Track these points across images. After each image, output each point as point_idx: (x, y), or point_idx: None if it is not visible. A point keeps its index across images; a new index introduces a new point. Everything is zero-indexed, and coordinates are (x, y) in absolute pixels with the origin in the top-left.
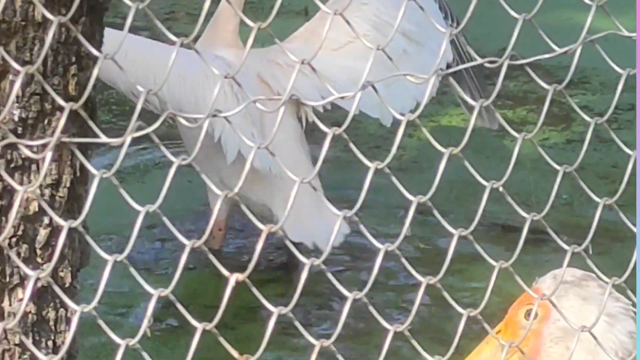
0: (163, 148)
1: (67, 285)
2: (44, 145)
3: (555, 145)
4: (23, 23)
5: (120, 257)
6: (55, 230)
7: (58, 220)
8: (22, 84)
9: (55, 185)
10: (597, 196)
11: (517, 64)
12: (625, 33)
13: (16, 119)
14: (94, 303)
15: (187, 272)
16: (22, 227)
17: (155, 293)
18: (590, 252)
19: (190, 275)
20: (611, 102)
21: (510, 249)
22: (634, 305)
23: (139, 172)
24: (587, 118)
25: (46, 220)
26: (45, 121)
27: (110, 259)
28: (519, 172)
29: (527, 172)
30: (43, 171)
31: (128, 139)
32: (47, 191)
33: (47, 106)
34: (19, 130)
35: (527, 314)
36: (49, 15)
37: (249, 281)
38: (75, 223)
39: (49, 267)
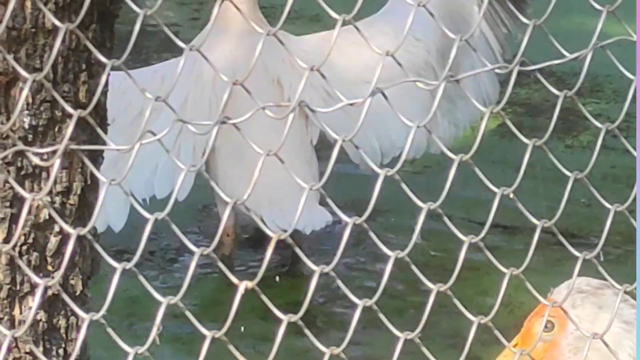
0: (172, 156)
1: (77, 293)
2: (54, 153)
3: (553, 150)
4: (33, 30)
5: (129, 265)
6: (65, 238)
7: (66, 227)
8: (32, 91)
9: (66, 192)
10: (601, 197)
11: (527, 70)
12: (636, 38)
13: (26, 126)
14: (103, 311)
15: (198, 278)
16: (32, 235)
17: (165, 301)
18: (602, 258)
19: (202, 282)
20: (624, 110)
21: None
22: None
23: None
24: (598, 124)
25: (57, 228)
26: (56, 128)
27: (119, 266)
28: (527, 178)
29: (535, 178)
30: (52, 179)
31: (136, 147)
32: (57, 199)
33: (58, 114)
34: (30, 137)
35: (544, 325)
36: (57, 23)
37: (258, 289)
38: (84, 231)
39: (57, 276)
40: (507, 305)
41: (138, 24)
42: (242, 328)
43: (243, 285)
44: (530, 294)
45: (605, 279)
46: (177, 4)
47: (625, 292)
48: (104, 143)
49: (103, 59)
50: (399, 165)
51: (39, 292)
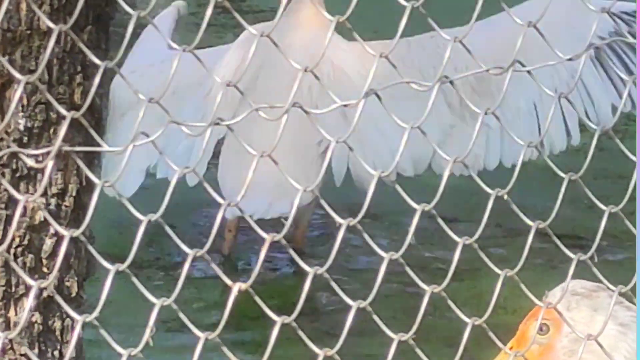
0: (166, 157)
1: (73, 295)
2: (48, 154)
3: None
4: (28, 32)
5: (122, 267)
6: (61, 240)
7: (60, 229)
8: (27, 93)
9: (61, 194)
10: (596, 199)
11: (521, 71)
12: (630, 39)
13: (22, 128)
14: (96, 313)
15: (195, 279)
16: (27, 237)
17: (158, 302)
18: (596, 259)
19: (199, 283)
20: (625, 113)
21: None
22: None
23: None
24: (592, 126)
25: (52, 230)
26: (51, 130)
27: (112, 268)
28: (524, 180)
29: (533, 179)
30: (44, 180)
31: (130, 148)
32: (53, 200)
33: (53, 115)
34: (25, 139)
35: (539, 328)
36: (51, 25)
37: (251, 290)
38: (77, 232)
39: (51, 277)
40: (503, 307)
41: (131, 26)
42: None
43: (237, 287)
44: (527, 296)
45: (600, 281)
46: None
47: (620, 294)
48: (100, 145)
49: (97, 60)
50: (392, 167)
51: (32, 294)
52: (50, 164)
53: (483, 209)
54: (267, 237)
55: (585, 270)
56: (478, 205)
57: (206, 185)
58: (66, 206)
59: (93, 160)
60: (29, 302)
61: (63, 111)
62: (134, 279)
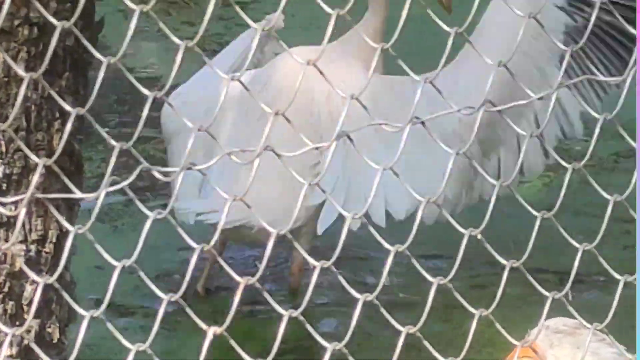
0: (137, 202)
1: (54, 341)
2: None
3: (532, 187)
4: (5, 79)
5: (97, 313)
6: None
7: (34, 276)
8: (5, 140)
9: (42, 241)
10: (572, 234)
11: (492, 110)
12: (601, 78)
13: (0, 175)
14: (72, 358)
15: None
16: (8, 284)
17: (133, 348)
18: (570, 297)
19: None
20: (614, 147)
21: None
22: (627, 350)
23: (133, 221)
24: (564, 163)
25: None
26: (30, 177)
27: (87, 314)
28: (503, 218)
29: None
30: (17, 228)
31: (102, 194)
32: (33, 247)
33: (31, 162)
34: (4, 186)
35: None
36: (20, 72)
37: (227, 334)
38: (51, 279)
39: (27, 323)
40: (492, 345)
41: (102, 71)
42: None
43: (211, 331)
44: (514, 334)
45: (574, 317)
46: (164, 50)
47: (601, 331)
48: (80, 190)
49: (68, 107)
50: (365, 208)
51: (6, 341)
52: (22, 211)
53: (469, 246)
54: (242, 281)
55: (583, 307)
56: (468, 242)
57: (180, 230)
58: (46, 252)
59: (73, 206)
60: (4, 349)
61: (35, 158)
62: (108, 324)
